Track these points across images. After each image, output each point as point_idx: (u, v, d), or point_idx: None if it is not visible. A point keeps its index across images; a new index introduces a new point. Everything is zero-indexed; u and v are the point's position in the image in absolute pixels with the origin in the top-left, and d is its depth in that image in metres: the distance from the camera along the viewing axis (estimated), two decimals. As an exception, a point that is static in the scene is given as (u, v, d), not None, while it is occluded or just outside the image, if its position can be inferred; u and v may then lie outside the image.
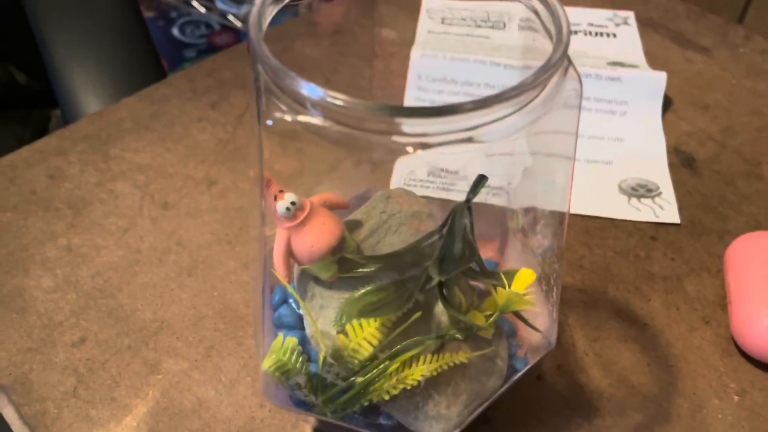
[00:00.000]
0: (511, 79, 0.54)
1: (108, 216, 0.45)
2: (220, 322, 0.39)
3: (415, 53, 0.54)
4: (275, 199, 0.30)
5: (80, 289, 0.41)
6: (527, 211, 0.35)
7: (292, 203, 0.30)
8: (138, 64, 0.59)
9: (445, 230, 0.31)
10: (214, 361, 0.37)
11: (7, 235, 0.43)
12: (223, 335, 0.39)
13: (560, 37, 0.22)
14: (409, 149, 0.20)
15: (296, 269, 0.34)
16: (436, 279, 0.29)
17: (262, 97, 0.21)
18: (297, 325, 0.34)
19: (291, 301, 0.35)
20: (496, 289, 0.30)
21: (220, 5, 1.19)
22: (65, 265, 0.42)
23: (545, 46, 0.30)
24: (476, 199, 0.34)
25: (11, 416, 0.35)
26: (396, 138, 0.20)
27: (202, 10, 1.22)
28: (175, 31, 1.42)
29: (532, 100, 0.21)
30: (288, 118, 0.21)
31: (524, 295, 0.29)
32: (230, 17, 1.18)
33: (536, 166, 0.30)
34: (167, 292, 0.41)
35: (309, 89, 0.20)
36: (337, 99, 0.19)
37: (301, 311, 0.34)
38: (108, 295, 0.40)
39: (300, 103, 0.20)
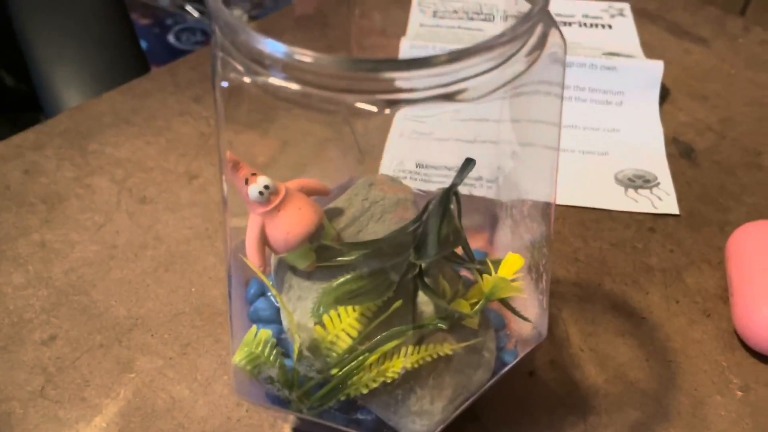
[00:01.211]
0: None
1: (84, 211, 0.43)
2: (198, 319, 0.37)
3: (405, 44, 0.53)
4: (246, 183, 0.29)
5: (52, 285, 0.39)
6: (515, 199, 0.33)
7: (266, 187, 0.29)
8: (121, 59, 0.58)
9: (425, 216, 0.29)
10: (190, 358, 0.36)
11: (-21, 230, 0.42)
12: (200, 332, 0.37)
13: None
14: (372, 108, 0.18)
15: (273, 259, 0.32)
16: (416, 265, 0.27)
17: (218, 60, 0.20)
18: (275, 318, 0.33)
19: (269, 294, 0.34)
20: (482, 276, 0.28)
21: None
22: (37, 261, 0.40)
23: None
24: (468, 192, 0.33)
25: (-26, 417, 0.33)
26: (364, 96, 0.18)
27: (196, 14, 1.21)
28: (171, 38, 1.41)
29: (512, 55, 0.19)
30: (246, 79, 0.19)
31: (512, 281, 0.27)
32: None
33: (521, 152, 0.29)
34: (143, 288, 0.39)
35: (267, 45, 0.18)
36: (299, 54, 0.18)
37: (278, 304, 0.32)
38: (81, 292, 0.39)
39: (259, 64, 0.19)
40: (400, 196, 0.34)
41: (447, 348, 0.28)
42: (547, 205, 0.31)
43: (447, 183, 0.47)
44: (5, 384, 0.34)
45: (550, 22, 0.22)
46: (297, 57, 0.18)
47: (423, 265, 0.27)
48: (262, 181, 0.29)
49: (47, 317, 0.37)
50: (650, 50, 0.56)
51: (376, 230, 0.32)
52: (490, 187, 0.39)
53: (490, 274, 0.28)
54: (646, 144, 0.48)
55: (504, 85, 0.19)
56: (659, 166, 0.47)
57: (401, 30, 0.57)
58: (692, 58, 0.56)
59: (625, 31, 0.58)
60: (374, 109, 0.18)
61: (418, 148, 0.48)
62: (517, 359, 0.30)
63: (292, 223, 0.29)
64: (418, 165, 0.46)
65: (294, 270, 0.31)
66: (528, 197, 0.34)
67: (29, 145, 0.47)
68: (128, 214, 0.43)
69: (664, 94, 0.52)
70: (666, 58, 0.53)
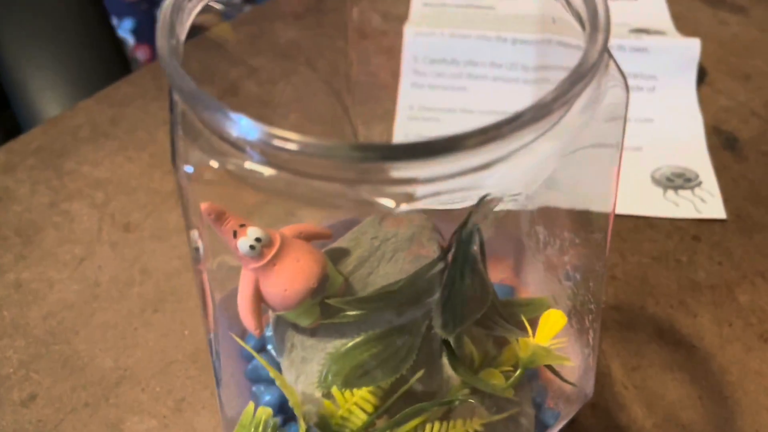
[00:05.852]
0: (522, 56, 0.47)
1: (62, 243, 0.39)
2: (192, 368, 0.33)
3: (409, 31, 0.47)
4: (234, 236, 0.24)
5: (30, 334, 0.35)
6: (551, 223, 0.29)
7: (257, 239, 0.24)
8: (100, 63, 0.53)
9: (449, 257, 0.25)
10: (186, 416, 0.32)
11: (-53, 271, 0.38)
12: (196, 383, 0.33)
13: (595, 25, 0.15)
14: (390, 203, 0.14)
15: (271, 313, 0.28)
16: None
17: (179, 131, 0.15)
18: (277, 377, 0.29)
19: (270, 347, 0.30)
20: (517, 339, 0.24)
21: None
22: (13, 305, 0.36)
23: (564, 16, 0.23)
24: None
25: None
26: (372, 188, 0.13)
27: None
28: (159, 14, 1.34)
29: (558, 121, 0.14)
30: (214, 164, 0.14)
31: (553, 346, 0.23)
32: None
33: (565, 179, 0.24)
34: (130, 333, 0.35)
35: (241, 127, 0.13)
36: (284, 140, 0.13)
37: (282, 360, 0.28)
38: (62, 340, 0.35)
39: (232, 145, 0.14)
40: (414, 229, 0.30)
41: (477, 423, 0.24)
42: (599, 236, 0.27)
43: (470, 199, 0.42)
44: (-20, 458, 0.31)
45: (608, 58, 0.17)
46: (277, 142, 0.13)
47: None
48: (252, 233, 0.25)
49: (26, 372, 0.33)
50: (682, 22, 0.50)
51: (388, 272, 0.28)
52: (513, 199, 0.34)
53: (525, 335, 0.24)
54: (684, 135, 0.43)
55: (547, 160, 0.15)
56: (701, 162, 0.42)
57: (404, 11, 0.52)
58: (730, 31, 0.51)
59: (654, 2, 0.52)
60: (392, 204, 0.13)
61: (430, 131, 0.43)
62: (562, 423, 0.26)
63: (290, 278, 0.25)
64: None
65: (296, 327, 0.27)
66: (570, 219, 0.29)
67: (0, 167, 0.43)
68: (111, 244, 0.38)
69: (701, 75, 0.47)
70: (700, 33, 0.47)
